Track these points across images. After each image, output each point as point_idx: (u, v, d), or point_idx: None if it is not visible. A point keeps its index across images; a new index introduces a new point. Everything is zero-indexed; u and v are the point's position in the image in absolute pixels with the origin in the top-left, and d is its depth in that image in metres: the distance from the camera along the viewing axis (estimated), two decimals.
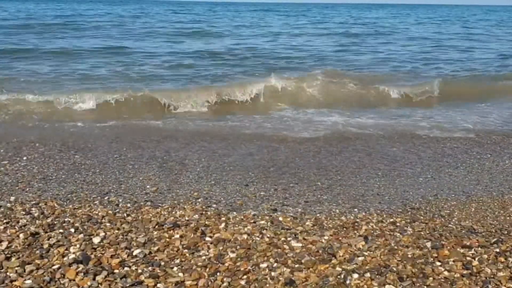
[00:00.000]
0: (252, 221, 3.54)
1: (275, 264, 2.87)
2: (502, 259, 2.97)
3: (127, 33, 20.99)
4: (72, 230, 3.27)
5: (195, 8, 63.67)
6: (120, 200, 3.98)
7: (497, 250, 3.10)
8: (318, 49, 17.52)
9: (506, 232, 3.49)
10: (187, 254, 2.97)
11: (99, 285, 2.62)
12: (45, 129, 6.62)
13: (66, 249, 2.97)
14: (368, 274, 2.76)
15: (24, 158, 5.15)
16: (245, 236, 3.25)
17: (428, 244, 3.18)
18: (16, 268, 2.73)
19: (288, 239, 3.22)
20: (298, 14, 54.51)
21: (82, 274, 2.69)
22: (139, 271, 2.75)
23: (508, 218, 3.92)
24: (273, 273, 2.77)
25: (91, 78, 10.51)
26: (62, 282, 2.63)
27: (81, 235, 3.18)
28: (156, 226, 3.37)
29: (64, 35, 18.75)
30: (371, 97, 9.78)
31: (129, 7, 55.52)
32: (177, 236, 3.23)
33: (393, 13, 67.30)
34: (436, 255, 3.02)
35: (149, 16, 36.30)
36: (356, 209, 3.91)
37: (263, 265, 2.86)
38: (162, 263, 2.85)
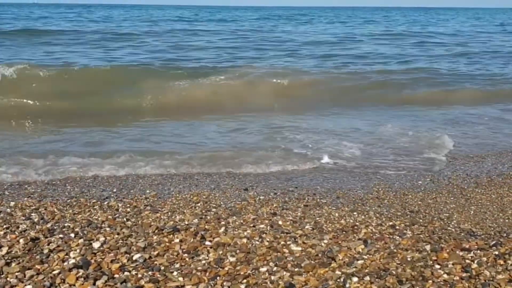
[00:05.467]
0: (251, 225, 3.55)
1: (274, 268, 2.87)
2: (501, 262, 2.97)
3: None
4: (72, 235, 3.28)
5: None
6: (120, 205, 3.99)
7: (496, 252, 3.10)
8: None
9: (505, 235, 3.50)
10: (187, 259, 2.98)
11: None
12: None
13: (66, 254, 2.97)
14: (367, 278, 2.76)
15: None
16: (244, 240, 3.25)
17: (428, 247, 3.18)
18: (17, 274, 2.73)
19: (288, 243, 3.23)
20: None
21: (82, 279, 2.69)
22: (139, 275, 2.76)
23: (507, 220, 3.92)
24: (272, 277, 2.77)
25: None
26: (62, 287, 2.62)
27: (81, 240, 3.18)
28: (156, 231, 3.38)
29: None
30: None
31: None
32: (177, 240, 3.23)
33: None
34: (435, 258, 3.02)
35: None
36: (355, 213, 3.91)
37: (263, 269, 2.86)
38: (162, 268, 2.85)
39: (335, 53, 17.09)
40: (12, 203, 3.96)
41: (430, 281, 2.73)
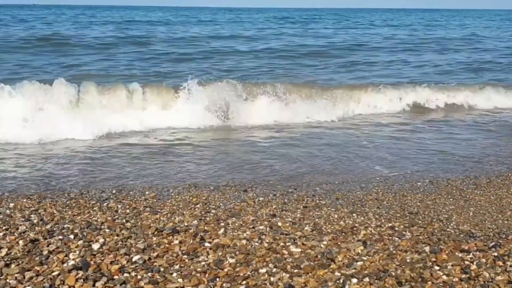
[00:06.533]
0: (251, 226, 3.55)
1: (274, 269, 2.88)
2: (500, 263, 2.98)
3: None
4: (72, 236, 3.27)
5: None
6: (119, 206, 3.99)
7: (495, 254, 3.11)
8: None
9: (504, 236, 3.50)
10: (186, 260, 2.98)
11: None
12: None
13: (66, 256, 2.97)
14: (367, 279, 2.77)
15: None
16: (244, 242, 3.25)
17: (427, 249, 3.18)
18: (16, 275, 2.73)
19: (287, 244, 3.23)
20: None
21: (81, 280, 2.69)
22: (139, 277, 2.76)
23: (506, 222, 3.93)
24: (272, 278, 2.77)
25: None
26: None
27: (81, 242, 3.18)
28: (155, 232, 3.38)
29: None
30: None
31: None
32: (176, 241, 3.23)
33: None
34: (434, 259, 3.03)
35: None
36: (354, 214, 3.92)
37: (262, 270, 2.86)
38: (162, 269, 2.85)
39: None
40: (11, 204, 3.96)
41: (430, 283, 2.74)
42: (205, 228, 3.49)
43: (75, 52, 15.32)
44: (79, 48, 16.29)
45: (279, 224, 3.61)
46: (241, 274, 2.81)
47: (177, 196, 4.33)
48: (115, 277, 2.75)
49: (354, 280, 2.75)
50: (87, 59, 13.91)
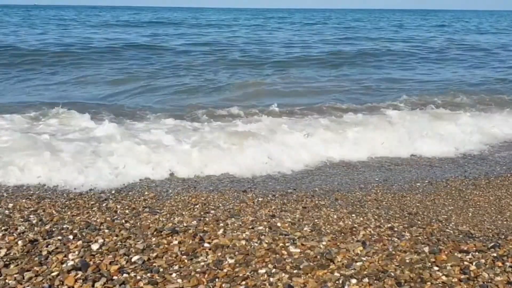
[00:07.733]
0: (250, 226, 3.55)
1: (273, 270, 2.88)
2: (500, 264, 2.98)
3: None
4: (71, 237, 3.27)
5: None
6: (119, 207, 3.98)
7: (495, 254, 3.11)
8: None
9: (503, 237, 3.51)
10: (186, 260, 2.98)
11: None
12: None
13: (65, 256, 2.97)
14: (366, 279, 2.77)
15: None
16: (243, 242, 3.25)
17: (426, 249, 3.19)
18: (15, 275, 2.73)
19: (287, 244, 3.23)
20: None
21: (81, 281, 2.69)
22: (138, 277, 2.76)
23: (505, 222, 3.93)
24: (271, 279, 2.77)
25: None
26: None
27: (80, 242, 3.18)
28: (155, 233, 3.38)
29: None
30: None
31: None
32: (176, 242, 3.23)
33: None
34: (433, 259, 3.03)
35: None
36: (353, 215, 3.92)
37: (262, 271, 2.86)
38: (161, 270, 2.86)
39: None
40: (10, 205, 3.96)
41: (429, 283, 2.74)
42: (205, 228, 3.49)
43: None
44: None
45: (279, 224, 3.61)
46: (241, 275, 2.81)
47: (176, 197, 4.33)
48: (114, 277, 2.75)
49: (354, 281, 2.76)
50: None
